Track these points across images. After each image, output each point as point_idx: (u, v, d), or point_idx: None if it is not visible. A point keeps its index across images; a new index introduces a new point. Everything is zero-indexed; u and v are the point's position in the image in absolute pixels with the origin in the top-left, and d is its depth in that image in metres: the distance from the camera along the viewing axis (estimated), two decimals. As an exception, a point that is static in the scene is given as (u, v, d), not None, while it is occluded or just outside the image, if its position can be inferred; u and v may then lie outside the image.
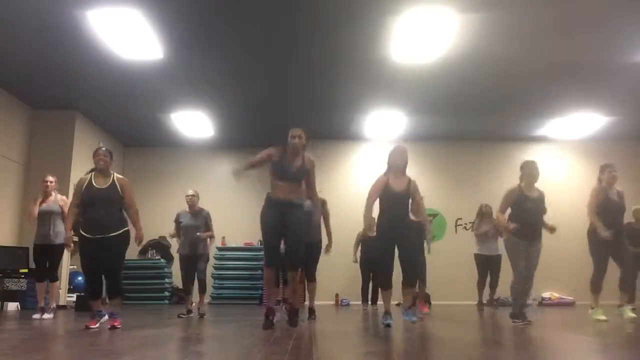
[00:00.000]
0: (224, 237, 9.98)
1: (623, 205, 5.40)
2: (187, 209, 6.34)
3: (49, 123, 8.49)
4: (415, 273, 4.75)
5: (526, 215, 4.85)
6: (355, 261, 7.96)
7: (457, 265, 8.63)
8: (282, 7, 5.50)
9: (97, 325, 4.49)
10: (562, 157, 10.13)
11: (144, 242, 10.20)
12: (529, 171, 4.99)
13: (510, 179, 9.65)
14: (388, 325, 4.43)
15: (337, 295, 9.30)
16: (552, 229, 4.91)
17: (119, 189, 4.52)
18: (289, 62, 6.83)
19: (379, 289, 4.96)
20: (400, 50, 6.33)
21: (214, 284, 9.61)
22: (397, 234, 4.57)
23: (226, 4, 5.41)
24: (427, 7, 5.37)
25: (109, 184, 4.49)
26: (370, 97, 8.02)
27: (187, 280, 6.34)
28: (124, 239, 4.52)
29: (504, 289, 7.94)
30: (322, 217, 5.82)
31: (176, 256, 6.75)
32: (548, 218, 5.07)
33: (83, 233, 4.41)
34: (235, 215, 9.94)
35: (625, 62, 6.70)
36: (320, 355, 2.96)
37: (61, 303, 8.05)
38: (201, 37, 6.11)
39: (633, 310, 5.35)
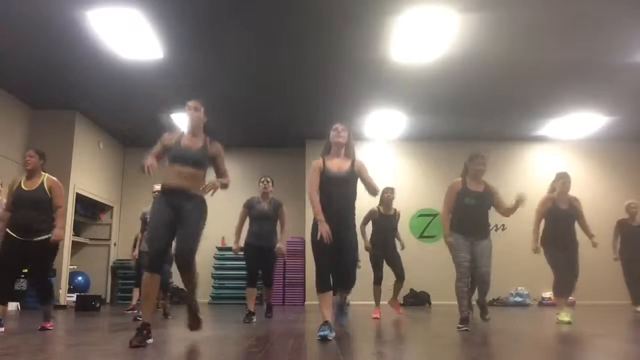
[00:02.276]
0: (223, 237, 9.97)
1: (574, 213, 5.35)
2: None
3: (49, 123, 8.49)
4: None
5: (467, 211, 4.57)
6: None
7: (457, 265, 8.63)
8: (282, 7, 5.50)
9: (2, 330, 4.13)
10: (562, 157, 10.13)
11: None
12: (473, 162, 4.68)
13: (510, 179, 9.73)
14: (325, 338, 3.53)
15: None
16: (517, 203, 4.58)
17: (47, 191, 4.41)
18: (289, 62, 6.83)
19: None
20: (400, 50, 6.33)
21: (214, 284, 9.62)
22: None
23: (226, 4, 5.41)
24: (427, 7, 5.37)
25: (37, 186, 4.40)
26: (370, 97, 8.02)
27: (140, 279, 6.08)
28: (51, 243, 4.37)
29: (502, 289, 7.99)
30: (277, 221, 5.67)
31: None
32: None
33: (9, 232, 4.30)
34: (235, 216, 9.91)
35: (625, 62, 6.71)
36: (321, 356, 2.96)
37: (61, 303, 8.06)
38: (201, 37, 6.11)
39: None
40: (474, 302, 5.16)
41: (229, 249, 9.82)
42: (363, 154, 10.24)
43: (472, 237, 4.55)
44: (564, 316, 5.03)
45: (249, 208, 5.68)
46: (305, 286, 9.34)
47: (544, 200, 5.41)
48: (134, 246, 6.38)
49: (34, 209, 4.31)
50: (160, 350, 3.11)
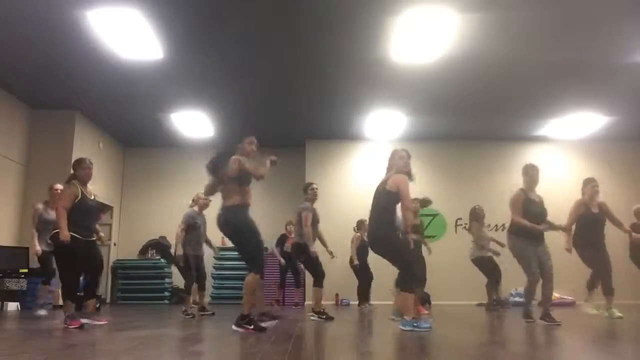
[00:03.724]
0: (223, 237, 9.96)
1: (604, 217, 5.80)
2: (197, 210, 6.47)
3: (49, 123, 8.49)
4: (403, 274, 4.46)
5: (533, 220, 5.04)
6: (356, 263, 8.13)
7: (457, 265, 8.63)
8: (281, 7, 5.50)
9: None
10: (562, 157, 10.13)
11: (144, 243, 10.25)
12: (534, 175, 5.19)
13: (510, 179, 9.70)
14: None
15: (337, 295, 9.29)
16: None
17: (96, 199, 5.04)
18: (289, 62, 6.83)
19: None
20: (400, 50, 6.33)
21: (214, 284, 9.61)
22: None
23: (226, 4, 5.41)
24: (427, 7, 5.37)
25: (93, 195, 4.98)
26: (370, 97, 8.02)
27: (193, 279, 6.52)
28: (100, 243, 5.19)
29: (503, 289, 7.96)
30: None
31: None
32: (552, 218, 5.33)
33: (78, 236, 4.68)
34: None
35: (625, 62, 6.70)
36: (321, 356, 2.96)
37: (61, 303, 8.05)
38: (201, 37, 6.11)
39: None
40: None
41: (229, 249, 9.85)
42: (363, 154, 10.30)
43: (537, 242, 5.04)
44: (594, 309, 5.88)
45: (314, 214, 5.90)
46: (305, 286, 9.33)
47: (578, 205, 5.73)
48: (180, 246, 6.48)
49: (96, 215, 5.07)
50: (160, 350, 3.11)
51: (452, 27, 5.77)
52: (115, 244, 10.22)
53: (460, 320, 5.66)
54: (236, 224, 4.33)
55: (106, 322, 4.91)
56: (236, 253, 9.72)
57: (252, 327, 4.12)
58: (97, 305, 7.28)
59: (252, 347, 3.27)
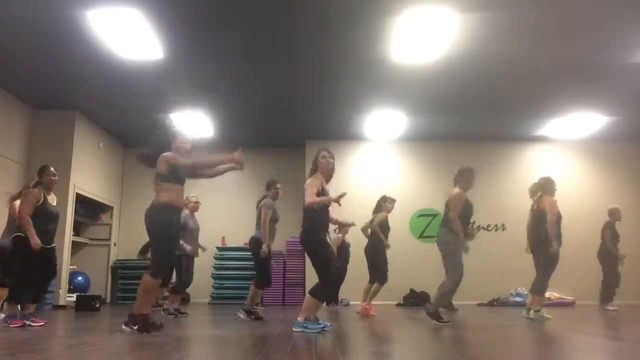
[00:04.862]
0: (223, 237, 9.97)
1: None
2: (190, 213, 6.66)
3: (49, 123, 8.48)
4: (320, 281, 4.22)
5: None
6: None
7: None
8: (282, 7, 5.50)
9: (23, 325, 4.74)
10: (562, 157, 10.13)
11: (144, 243, 10.26)
12: (472, 177, 5.28)
13: (510, 179, 9.73)
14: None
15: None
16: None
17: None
18: (289, 63, 6.83)
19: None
20: (400, 50, 6.33)
21: (214, 284, 9.62)
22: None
23: (226, 4, 5.41)
24: (427, 7, 5.37)
25: (55, 201, 5.19)
26: (370, 97, 8.01)
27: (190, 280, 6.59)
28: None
29: (502, 289, 7.96)
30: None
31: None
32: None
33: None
34: (235, 216, 9.95)
35: (625, 62, 6.70)
36: (320, 356, 2.96)
37: (61, 303, 8.06)
38: (201, 37, 6.11)
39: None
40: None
41: (229, 249, 9.89)
42: (363, 154, 10.30)
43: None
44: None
45: (274, 211, 5.78)
46: (305, 286, 9.34)
47: (554, 204, 5.74)
48: None
49: (56, 221, 5.14)
50: (160, 350, 3.11)
51: (452, 27, 5.77)
52: (115, 244, 10.22)
53: (460, 320, 5.66)
54: (151, 223, 4.20)
55: (45, 323, 4.91)
56: (236, 253, 9.79)
57: (136, 327, 3.98)
58: (97, 305, 7.31)
59: (252, 346, 3.27)
